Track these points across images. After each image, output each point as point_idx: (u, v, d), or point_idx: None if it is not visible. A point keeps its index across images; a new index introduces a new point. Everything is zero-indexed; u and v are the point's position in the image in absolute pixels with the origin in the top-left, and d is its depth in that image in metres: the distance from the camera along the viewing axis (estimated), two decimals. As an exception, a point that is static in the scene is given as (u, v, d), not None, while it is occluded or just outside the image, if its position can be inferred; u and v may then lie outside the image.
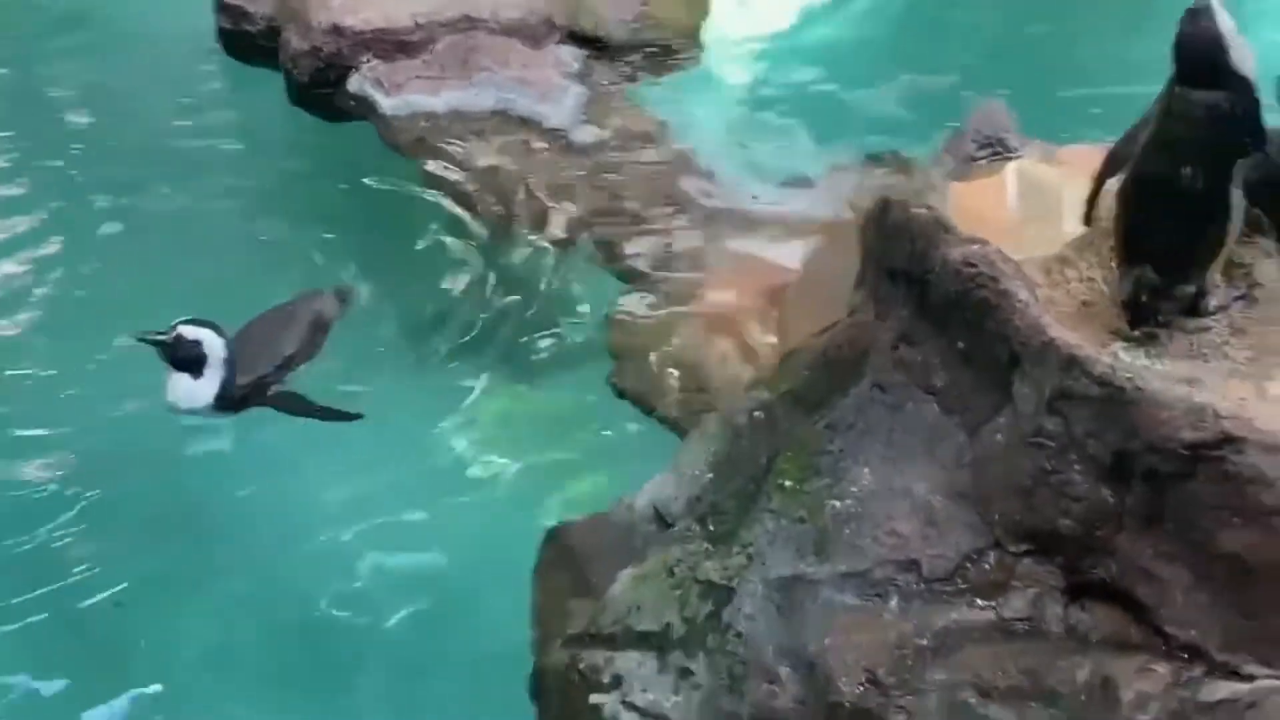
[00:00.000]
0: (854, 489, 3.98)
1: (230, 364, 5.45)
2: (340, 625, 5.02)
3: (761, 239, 5.93)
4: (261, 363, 5.57)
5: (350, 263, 6.30)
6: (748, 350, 5.38)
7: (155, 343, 5.40)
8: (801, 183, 6.34)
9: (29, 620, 5.00)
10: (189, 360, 5.41)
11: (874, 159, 6.34)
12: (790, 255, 5.79)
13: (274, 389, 5.58)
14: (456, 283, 6.15)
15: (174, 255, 6.37)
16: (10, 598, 5.05)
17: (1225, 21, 3.92)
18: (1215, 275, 4.04)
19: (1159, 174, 3.99)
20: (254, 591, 5.13)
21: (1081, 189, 4.35)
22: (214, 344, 5.42)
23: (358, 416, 5.47)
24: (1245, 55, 3.93)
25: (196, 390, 5.45)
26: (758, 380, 4.68)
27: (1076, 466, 3.63)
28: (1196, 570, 3.46)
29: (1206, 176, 3.88)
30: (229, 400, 5.49)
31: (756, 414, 4.44)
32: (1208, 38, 3.90)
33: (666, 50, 6.94)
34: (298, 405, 5.52)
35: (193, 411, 5.50)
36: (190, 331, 5.40)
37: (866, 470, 4.00)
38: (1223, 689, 3.38)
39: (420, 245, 6.31)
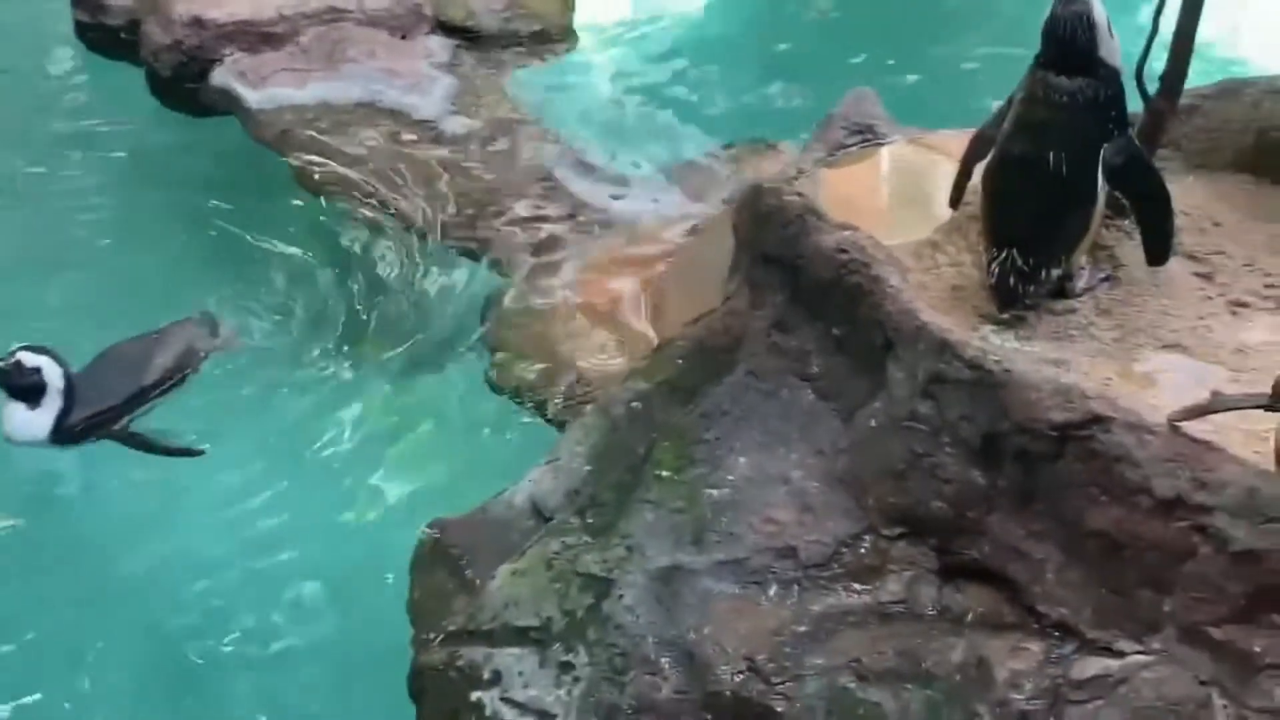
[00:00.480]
0: (730, 477, 3.99)
1: (69, 394, 5.21)
2: (216, 626, 4.93)
3: (635, 228, 5.92)
4: (110, 395, 5.34)
5: (219, 261, 6.19)
6: (624, 340, 5.37)
7: None
8: (674, 171, 6.34)
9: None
10: (26, 389, 5.17)
11: (745, 147, 6.35)
12: (664, 244, 5.79)
13: (123, 421, 5.36)
14: (327, 278, 6.06)
15: (28, 263, 6.21)
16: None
17: (1098, 9, 3.98)
18: (1081, 258, 4.11)
19: (1023, 157, 4.05)
20: (124, 593, 5.00)
21: (950, 173, 4.40)
22: (52, 373, 5.18)
23: (199, 453, 5.29)
24: (1112, 44, 4.00)
25: (33, 421, 5.21)
26: (634, 370, 4.66)
27: (949, 449, 3.67)
28: (1067, 549, 3.51)
29: (1070, 161, 3.94)
30: (66, 433, 5.25)
31: (633, 404, 4.42)
32: (1080, 24, 3.96)
33: (537, 40, 6.91)
34: (137, 441, 5.31)
35: (29, 443, 5.26)
36: (29, 359, 5.16)
37: (743, 458, 4.01)
38: (1094, 665, 3.43)
39: (289, 241, 6.21)
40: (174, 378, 5.50)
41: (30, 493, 5.38)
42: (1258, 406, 3.28)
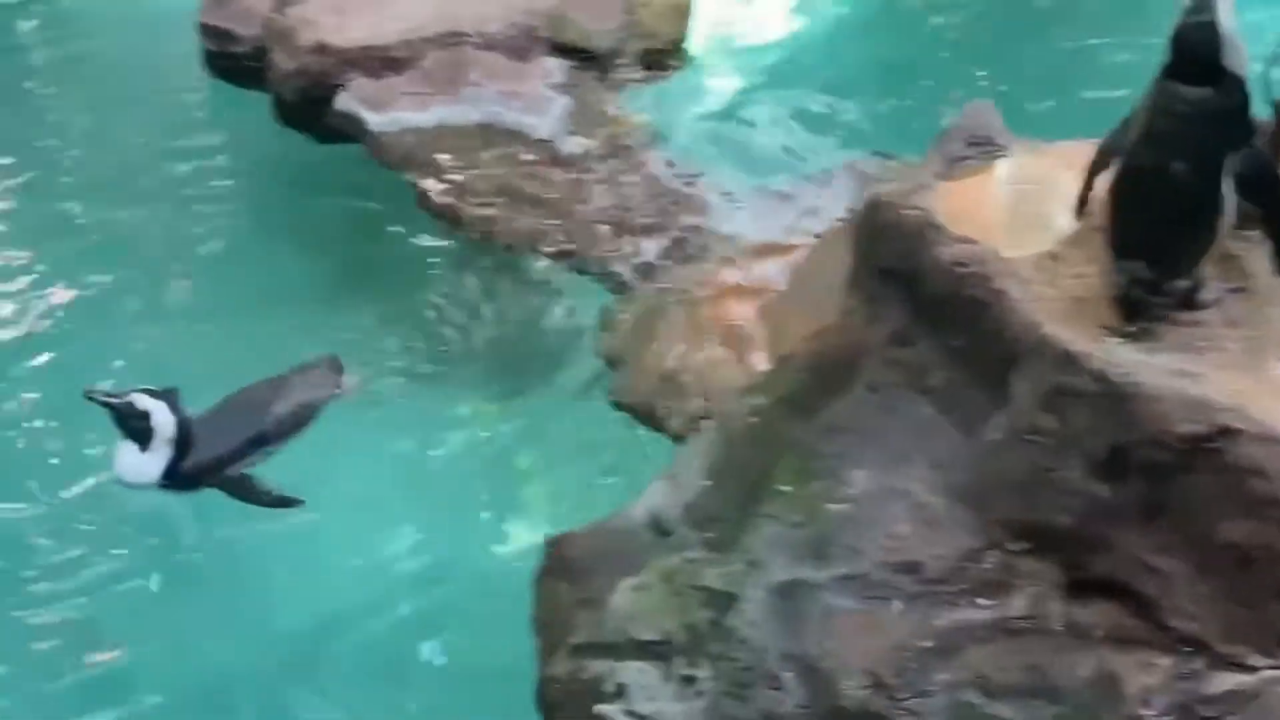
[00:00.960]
0: (851, 491, 3.99)
1: (181, 441, 5.19)
2: (342, 641, 5.02)
3: (751, 245, 5.92)
4: (224, 443, 5.31)
5: (344, 284, 6.30)
6: (742, 356, 5.37)
7: (106, 405, 5.14)
8: (790, 187, 6.34)
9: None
10: (138, 431, 5.15)
11: (862, 161, 6.33)
12: (782, 260, 5.79)
13: (234, 468, 5.32)
14: (450, 295, 6.15)
15: (161, 283, 6.35)
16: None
17: (1225, 19, 3.92)
18: (1208, 268, 4.05)
19: (1149, 168, 3.99)
20: (254, 609, 5.10)
21: (1072, 184, 4.35)
22: (163, 420, 5.15)
23: (299, 503, 5.24)
24: (1240, 53, 3.94)
25: (143, 464, 5.20)
26: (752, 386, 4.68)
27: (1074, 463, 3.63)
28: (1197, 562, 3.46)
29: (1197, 170, 3.89)
30: (176, 479, 5.23)
31: (752, 419, 4.44)
32: (1206, 34, 3.90)
33: (651, 58, 6.93)
34: (242, 491, 5.26)
35: (138, 486, 5.26)
36: (143, 402, 5.14)
37: (863, 473, 4.01)
38: (1226, 680, 3.39)
39: (413, 259, 6.31)
40: (291, 428, 5.47)
41: (142, 526, 5.41)
42: None
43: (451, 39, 6.67)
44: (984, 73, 7.16)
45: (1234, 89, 3.91)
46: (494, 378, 5.91)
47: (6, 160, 7.07)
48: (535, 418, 5.74)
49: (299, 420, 5.48)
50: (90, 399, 5.14)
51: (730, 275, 5.80)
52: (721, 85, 7.27)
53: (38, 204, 6.77)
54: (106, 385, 5.42)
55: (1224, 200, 3.92)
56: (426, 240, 6.33)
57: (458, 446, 5.64)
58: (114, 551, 5.21)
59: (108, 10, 8.04)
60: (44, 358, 5.95)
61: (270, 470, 5.39)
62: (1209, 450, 3.40)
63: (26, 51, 7.80)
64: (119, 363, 5.79)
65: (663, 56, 6.97)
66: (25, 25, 7.98)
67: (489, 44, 6.71)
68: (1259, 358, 3.86)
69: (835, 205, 5.97)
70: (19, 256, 6.42)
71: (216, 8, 7.01)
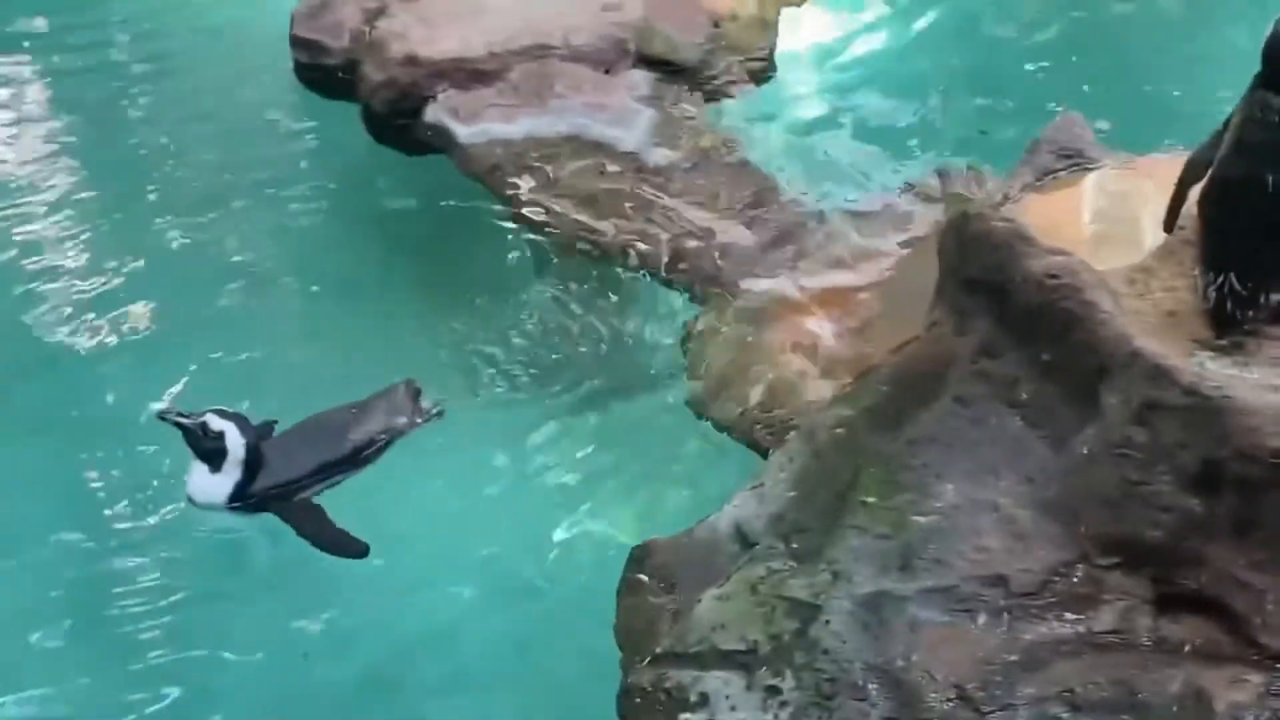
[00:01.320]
0: (938, 504, 3.98)
1: (251, 463, 5.17)
2: (429, 647, 5.05)
3: (839, 255, 5.91)
4: (295, 467, 5.27)
5: (431, 295, 6.35)
6: (827, 367, 5.37)
7: (178, 425, 5.14)
8: (878, 199, 6.32)
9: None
10: (210, 452, 5.14)
11: (951, 174, 6.30)
12: (868, 271, 5.78)
13: (305, 494, 5.27)
14: (536, 306, 6.19)
15: (253, 289, 6.43)
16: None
17: None
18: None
19: (1241, 179, 3.96)
20: (337, 626, 5.11)
21: (1162, 197, 4.32)
22: (235, 441, 5.14)
23: (363, 551, 5.12)
24: None
25: (213, 485, 5.19)
26: (838, 397, 4.68)
27: (1165, 477, 3.61)
28: (1290, 579, 3.42)
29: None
30: (244, 501, 5.21)
31: (838, 431, 4.43)
32: None
33: (739, 71, 6.95)
34: (308, 524, 5.16)
35: (207, 506, 5.24)
36: (215, 423, 5.12)
37: (950, 485, 3.99)
38: (1318, 698, 3.34)
39: (500, 270, 6.35)
40: (365, 457, 5.42)
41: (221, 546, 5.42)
42: None
43: (539, 51, 6.72)
44: (1072, 85, 7.10)
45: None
46: (579, 389, 5.92)
47: (99, 172, 7.17)
48: (620, 429, 5.77)
49: (373, 449, 5.45)
50: (163, 419, 5.17)
51: (816, 285, 5.80)
52: (808, 98, 7.27)
53: (129, 217, 6.84)
54: (178, 404, 5.47)
55: (1318, 212, 3.88)
56: (514, 252, 6.37)
57: (542, 457, 5.67)
58: (192, 570, 5.25)
59: (199, 23, 8.16)
60: (126, 366, 6.01)
61: (357, 481, 5.43)
62: (1303, 465, 3.36)
63: (120, 68, 7.93)
64: (206, 377, 5.83)
65: (749, 69, 6.98)
66: (120, 39, 8.12)
67: (576, 56, 6.75)
68: (1353, 372, 3.81)
69: (923, 217, 5.96)
70: (104, 268, 6.49)
71: (308, 20, 7.10)
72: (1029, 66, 7.47)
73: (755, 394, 5.40)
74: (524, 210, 6.25)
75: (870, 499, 4.06)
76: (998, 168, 5.91)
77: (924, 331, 4.46)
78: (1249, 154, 3.94)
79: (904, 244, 5.84)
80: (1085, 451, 3.78)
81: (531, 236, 6.28)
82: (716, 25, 7.03)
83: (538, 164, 6.36)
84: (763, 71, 7.07)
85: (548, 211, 6.22)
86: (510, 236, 6.37)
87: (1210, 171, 4.05)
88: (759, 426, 5.30)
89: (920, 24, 7.83)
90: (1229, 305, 3.96)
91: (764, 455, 4.94)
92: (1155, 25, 7.79)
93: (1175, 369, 3.61)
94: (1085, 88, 7.06)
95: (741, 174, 6.39)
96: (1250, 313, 3.96)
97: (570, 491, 5.51)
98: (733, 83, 6.93)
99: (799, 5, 7.50)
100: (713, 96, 6.88)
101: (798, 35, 7.43)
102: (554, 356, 6.01)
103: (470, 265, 6.44)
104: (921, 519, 3.96)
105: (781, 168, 6.54)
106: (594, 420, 5.84)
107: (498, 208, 6.36)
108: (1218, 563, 3.53)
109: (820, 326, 5.57)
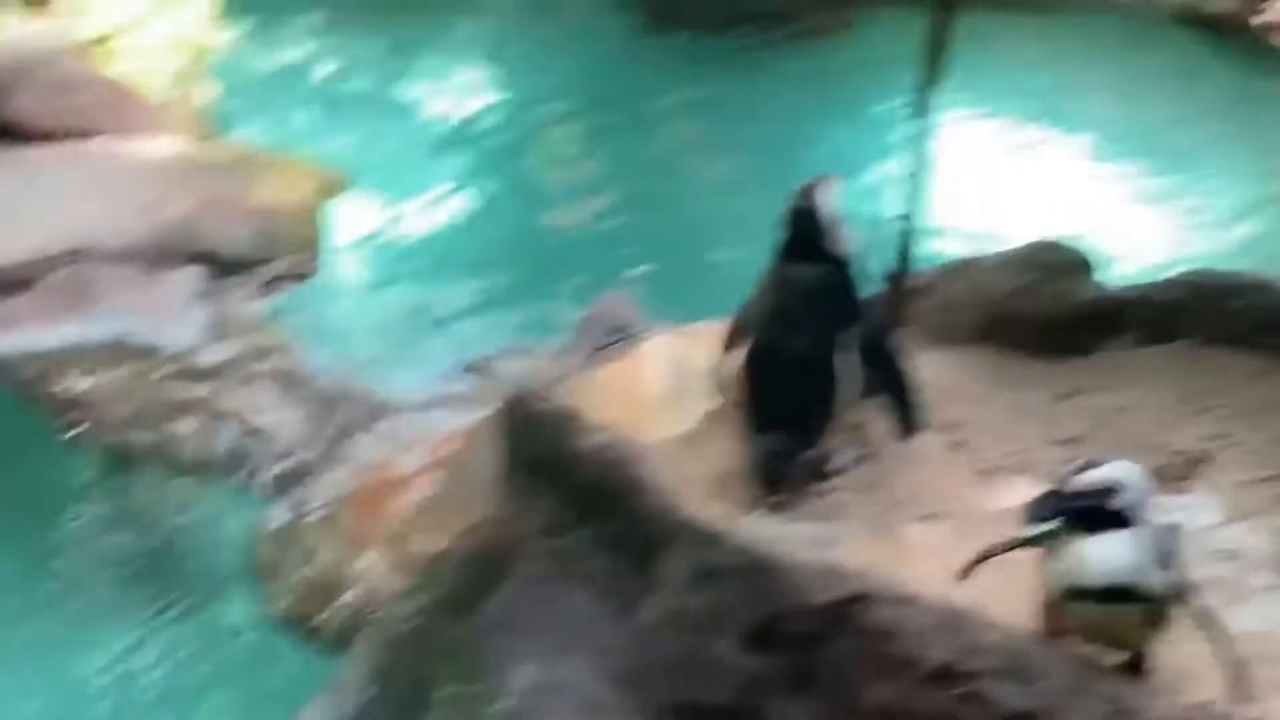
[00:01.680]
0: (516, 687, 3.93)
1: None
2: None
3: (401, 443, 5.90)
4: None
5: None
6: (398, 557, 5.29)
7: None
8: (437, 384, 6.36)
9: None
10: None
11: (505, 355, 6.41)
12: (431, 456, 5.76)
13: None
14: (89, 521, 5.88)
15: None
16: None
17: (826, 204, 4.19)
18: (836, 438, 4.23)
19: (772, 344, 4.18)
20: None
21: (711, 363, 4.51)
22: None
23: None
24: (841, 235, 4.19)
25: None
26: (411, 587, 4.60)
27: (725, 638, 3.67)
28: (848, 727, 3.53)
29: (812, 344, 4.09)
30: None
31: (412, 622, 4.35)
32: (806, 218, 4.17)
33: (290, 262, 6.91)
34: None
35: None
36: None
37: (526, 667, 3.96)
38: None
39: (49, 487, 6.02)
40: None
41: None
42: (1019, 545, 3.41)
43: (80, 255, 6.51)
44: (624, 251, 7.33)
45: (840, 265, 4.16)
46: (142, 601, 5.63)
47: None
48: (188, 640, 5.49)
49: None
50: None
51: (381, 474, 5.75)
52: (362, 284, 7.28)
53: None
54: None
55: (842, 371, 4.13)
56: (62, 465, 6.06)
57: (104, 671, 5.34)
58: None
59: None
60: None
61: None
62: (848, 615, 3.48)
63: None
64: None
65: (299, 259, 6.96)
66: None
67: (121, 257, 6.57)
68: (889, 520, 4.03)
69: (480, 399, 6.01)
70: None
71: None
72: (578, 237, 7.69)
73: (326, 590, 5.27)
74: (69, 422, 5.97)
75: (447, 691, 3.99)
76: (551, 344, 6.04)
77: (493, 513, 4.46)
78: (775, 319, 4.17)
79: (464, 427, 5.86)
80: (650, 621, 3.82)
81: (80, 449, 6.00)
82: (264, 218, 6.99)
83: (79, 373, 6.12)
84: (314, 261, 7.06)
85: (95, 421, 5.97)
86: (59, 450, 6.05)
87: (748, 337, 4.26)
88: (333, 624, 5.16)
89: (464, 204, 7.96)
90: (773, 465, 4.13)
91: (341, 654, 4.79)
92: (703, 193, 8.16)
93: (724, 533, 3.70)
94: (636, 255, 7.31)
95: (297, 366, 6.32)
96: (793, 470, 4.15)
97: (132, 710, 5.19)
98: (285, 276, 6.88)
99: (339, 195, 7.54)
100: (266, 289, 6.81)
101: (346, 225, 7.46)
102: (111, 570, 5.72)
103: (16, 483, 6.06)
104: (500, 705, 3.91)
105: (339, 356, 6.50)
106: (162, 634, 5.54)
107: (40, 419, 6.04)
108: (780, 718, 3.61)
109: (388, 518, 5.51)
